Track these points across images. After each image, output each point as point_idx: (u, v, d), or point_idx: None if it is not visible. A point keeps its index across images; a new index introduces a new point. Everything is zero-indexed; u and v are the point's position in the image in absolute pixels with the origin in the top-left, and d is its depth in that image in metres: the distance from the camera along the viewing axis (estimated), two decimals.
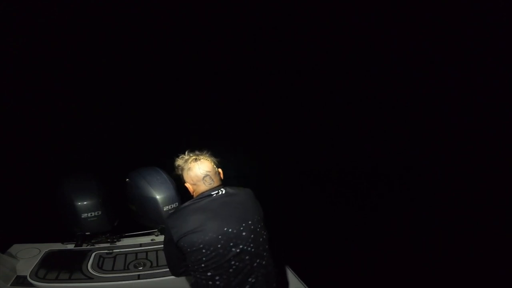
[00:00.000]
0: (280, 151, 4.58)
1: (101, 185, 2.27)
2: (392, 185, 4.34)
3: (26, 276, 1.71)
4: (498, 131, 4.25)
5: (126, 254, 1.95)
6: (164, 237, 1.48)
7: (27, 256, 1.95)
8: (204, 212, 1.38)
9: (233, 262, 1.33)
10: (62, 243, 2.11)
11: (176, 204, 2.24)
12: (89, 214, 2.11)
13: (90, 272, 1.75)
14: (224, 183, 1.53)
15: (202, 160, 1.51)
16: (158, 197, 2.19)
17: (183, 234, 1.35)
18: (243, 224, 1.37)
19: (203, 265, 1.34)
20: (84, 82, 4.27)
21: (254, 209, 1.45)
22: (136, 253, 1.97)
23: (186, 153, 1.56)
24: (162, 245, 2.02)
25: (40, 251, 1.99)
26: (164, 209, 2.19)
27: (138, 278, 1.72)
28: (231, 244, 1.33)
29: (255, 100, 4.77)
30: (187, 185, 1.53)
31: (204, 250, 1.33)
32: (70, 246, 2.09)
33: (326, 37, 4.81)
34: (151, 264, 1.86)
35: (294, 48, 4.87)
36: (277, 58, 4.86)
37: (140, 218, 2.31)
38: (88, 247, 2.07)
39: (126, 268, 1.82)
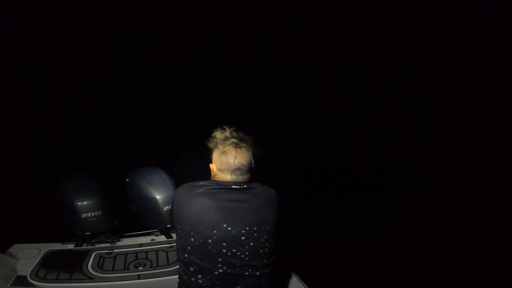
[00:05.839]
0: (279, 151, 4.58)
1: (101, 185, 2.26)
2: (394, 185, 4.34)
3: (26, 276, 1.71)
4: (498, 131, 4.25)
5: (126, 254, 1.95)
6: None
7: (27, 256, 1.94)
8: (214, 200, 1.22)
9: (220, 265, 1.20)
10: (62, 243, 2.11)
11: None
12: (89, 214, 2.10)
13: (90, 272, 1.75)
14: (252, 179, 1.34)
15: (242, 149, 1.28)
16: (158, 197, 2.19)
17: (181, 213, 1.26)
18: (247, 228, 1.22)
19: (187, 254, 1.23)
20: (85, 82, 4.27)
21: (267, 217, 1.28)
22: (136, 253, 1.96)
23: (230, 130, 1.33)
24: (162, 245, 2.05)
25: (40, 251, 1.98)
26: (164, 209, 2.19)
27: (138, 278, 1.72)
28: (224, 244, 1.19)
29: (255, 100, 4.77)
30: (212, 166, 1.36)
31: (192, 239, 1.21)
32: (70, 246, 2.08)
33: (328, 37, 4.80)
34: (151, 264, 1.86)
35: (293, 48, 4.87)
36: (276, 57, 4.85)
37: (140, 218, 2.31)
38: (88, 247, 2.07)
39: (126, 268, 1.82)
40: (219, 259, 1.20)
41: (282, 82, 4.87)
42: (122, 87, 4.45)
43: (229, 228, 1.20)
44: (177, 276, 1.76)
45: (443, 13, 4.40)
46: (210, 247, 1.19)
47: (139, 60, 4.51)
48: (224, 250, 1.20)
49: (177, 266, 1.81)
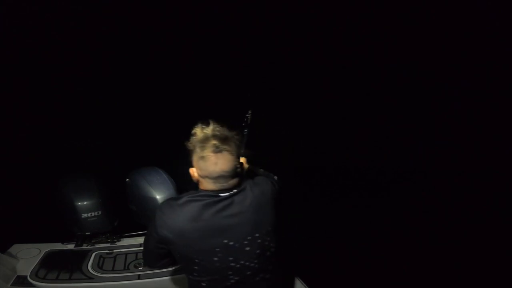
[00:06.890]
0: (279, 151, 4.58)
1: (101, 185, 2.26)
2: (394, 185, 4.34)
3: (26, 276, 1.72)
4: (498, 131, 4.25)
5: (126, 254, 1.96)
6: (148, 230, 1.22)
7: (27, 256, 1.94)
8: (205, 216, 1.11)
9: (231, 277, 1.15)
10: (62, 243, 2.11)
11: None
12: (89, 214, 2.10)
13: (90, 272, 1.76)
14: (241, 181, 1.21)
15: (224, 153, 1.13)
16: (158, 197, 2.19)
17: (170, 238, 1.12)
18: (249, 238, 1.14)
19: (195, 273, 1.16)
20: (85, 82, 4.27)
21: (266, 218, 1.18)
22: (136, 253, 1.97)
23: (213, 127, 1.19)
24: None
25: (40, 251, 1.99)
26: None
27: (138, 278, 1.73)
28: (230, 258, 1.13)
29: (255, 100, 4.76)
30: (192, 171, 1.21)
31: (197, 260, 1.13)
32: (70, 246, 2.09)
33: (328, 37, 4.80)
34: None
35: (293, 48, 4.87)
36: (276, 57, 4.85)
37: (140, 218, 2.31)
38: (88, 247, 2.08)
39: (126, 268, 1.82)
40: (229, 272, 1.15)
41: (282, 82, 4.86)
42: (122, 87, 4.45)
43: (230, 243, 1.13)
44: (177, 276, 1.76)
45: (443, 13, 4.40)
46: (217, 264, 1.13)
47: (139, 60, 4.51)
48: (232, 264, 1.14)
49: (177, 266, 1.81)
